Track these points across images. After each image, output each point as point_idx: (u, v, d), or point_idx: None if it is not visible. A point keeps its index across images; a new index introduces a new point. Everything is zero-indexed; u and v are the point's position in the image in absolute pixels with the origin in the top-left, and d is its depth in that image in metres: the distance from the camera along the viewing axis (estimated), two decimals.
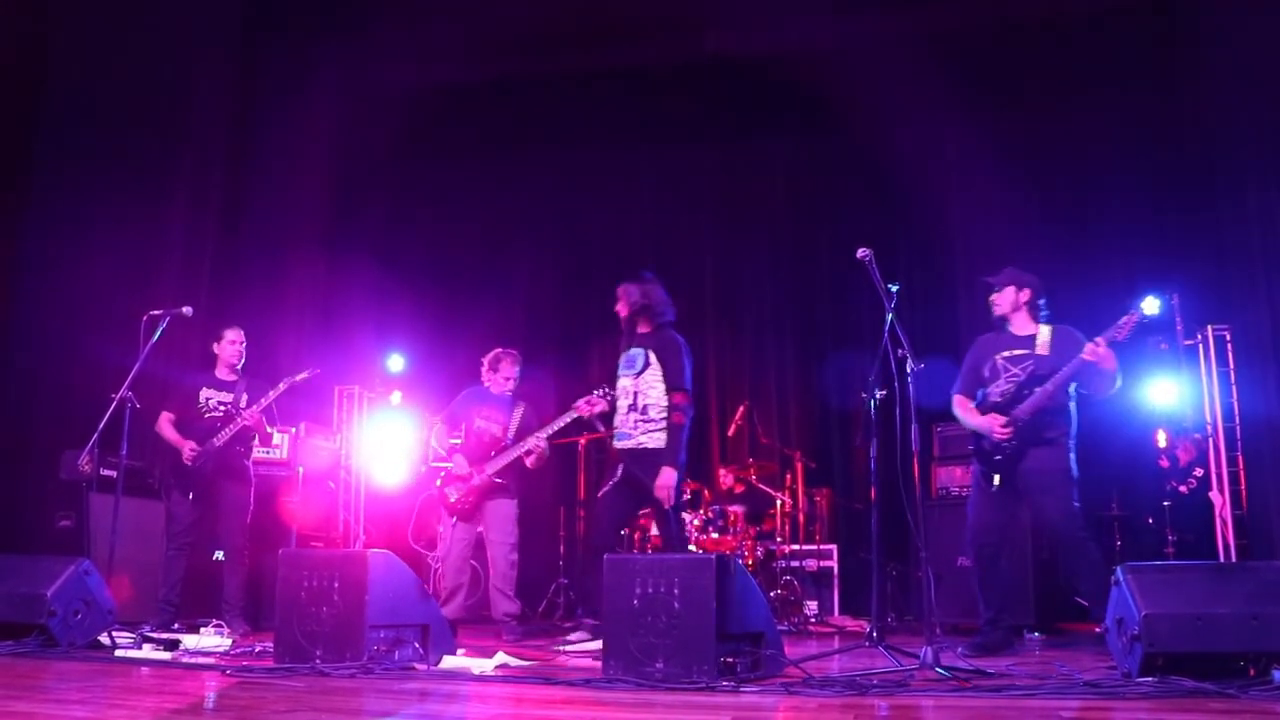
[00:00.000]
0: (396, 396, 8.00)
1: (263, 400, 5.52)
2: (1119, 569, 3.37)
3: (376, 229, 8.93)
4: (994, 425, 4.53)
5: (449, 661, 3.81)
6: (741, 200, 8.83)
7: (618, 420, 5.03)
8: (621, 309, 5.10)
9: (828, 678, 3.21)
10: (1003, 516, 4.66)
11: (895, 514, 4.40)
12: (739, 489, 7.15)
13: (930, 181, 7.86)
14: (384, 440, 7.88)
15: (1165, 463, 6.50)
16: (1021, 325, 4.70)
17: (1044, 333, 4.63)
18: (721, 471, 7.38)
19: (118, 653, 4.08)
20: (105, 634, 4.21)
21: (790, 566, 6.89)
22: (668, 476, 4.74)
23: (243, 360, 5.76)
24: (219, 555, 5.69)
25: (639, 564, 3.37)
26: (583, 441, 7.45)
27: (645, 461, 4.83)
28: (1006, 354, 4.67)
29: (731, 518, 6.68)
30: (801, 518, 7.08)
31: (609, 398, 5.16)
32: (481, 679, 3.44)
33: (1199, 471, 6.28)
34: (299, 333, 7.98)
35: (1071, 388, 4.54)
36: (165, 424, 5.59)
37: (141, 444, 5.94)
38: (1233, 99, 6.58)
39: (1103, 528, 6.66)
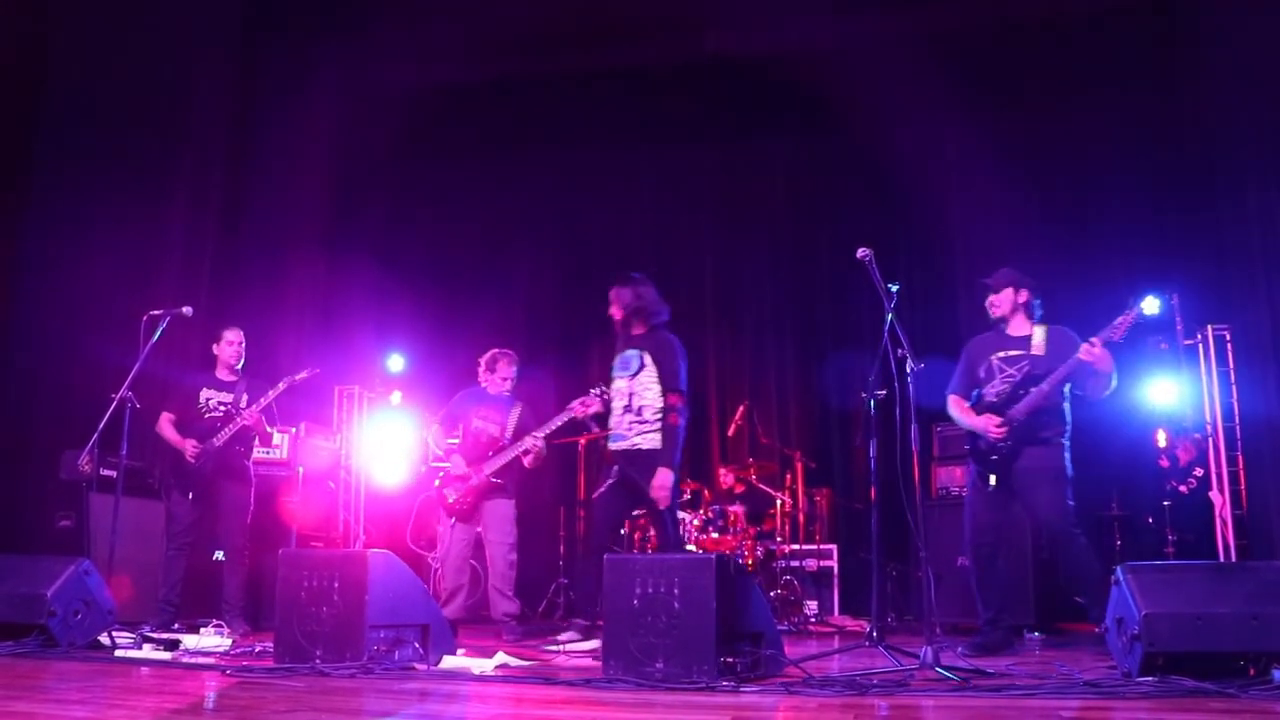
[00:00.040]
0: (396, 396, 8.00)
1: (262, 400, 5.52)
2: (1119, 569, 3.37)
3: (376, 229, 8.93)
4: (989, 425, 4.55)
5: (449, 661, 3.81)
6: (741, 200, 8.83)
7: (613, 422, 5.02)
8: (615, 312, 5.09)
9: (828, 678, 3.21)
10: (999, 516, 4.67)
11: (895, 514, 4.41)
12: (739, 489, 7.15)
13: (930, 181, 7.86)
14: (384, 440, 7.88)
15: (1165, 462, 6.51)
16: (1018, 326, 4.72)
17: (1039, 333, 4.64)
18: (721, 471, 7.39)
19: (118, 653, 4.08)
20: (105, 634, 4.21)
21: (790, 566, 6.89)
22: (664, 477, 4.74)
23: (242, 360, 5.76)
24: (219, 555, 5.69)
25: (639, 564, 3.36)
26: (583, 442, 7.45)
27: (640, 463, 4.83)
28: (1002, 354, 4.68)
29: (731, 518, 6.68)
30: (801, 518, 7.09)
31: (605, 397, 5.16)
32: (481, 679, 3.44)
33: (1199, 471, 6.28)
34: (299, 333, 7.98)
35: (1066, 388, 4.56)
36: (166, 424, 5.59)
37: (141, 444, 5.94)
38: (1233, 99, 6.58)
39: (1103, 528, 6.67)
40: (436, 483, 5.79)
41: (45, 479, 6.13)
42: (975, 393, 4.74)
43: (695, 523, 6.62)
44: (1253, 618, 3.09)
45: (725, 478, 7.26)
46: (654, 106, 8.38)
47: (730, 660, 3.20)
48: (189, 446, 5.45)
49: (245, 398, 5.60)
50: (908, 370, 3.95)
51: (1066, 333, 4.58)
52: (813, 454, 7.57)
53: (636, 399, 4.91)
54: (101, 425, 5.09)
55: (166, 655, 4.02)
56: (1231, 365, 6.33)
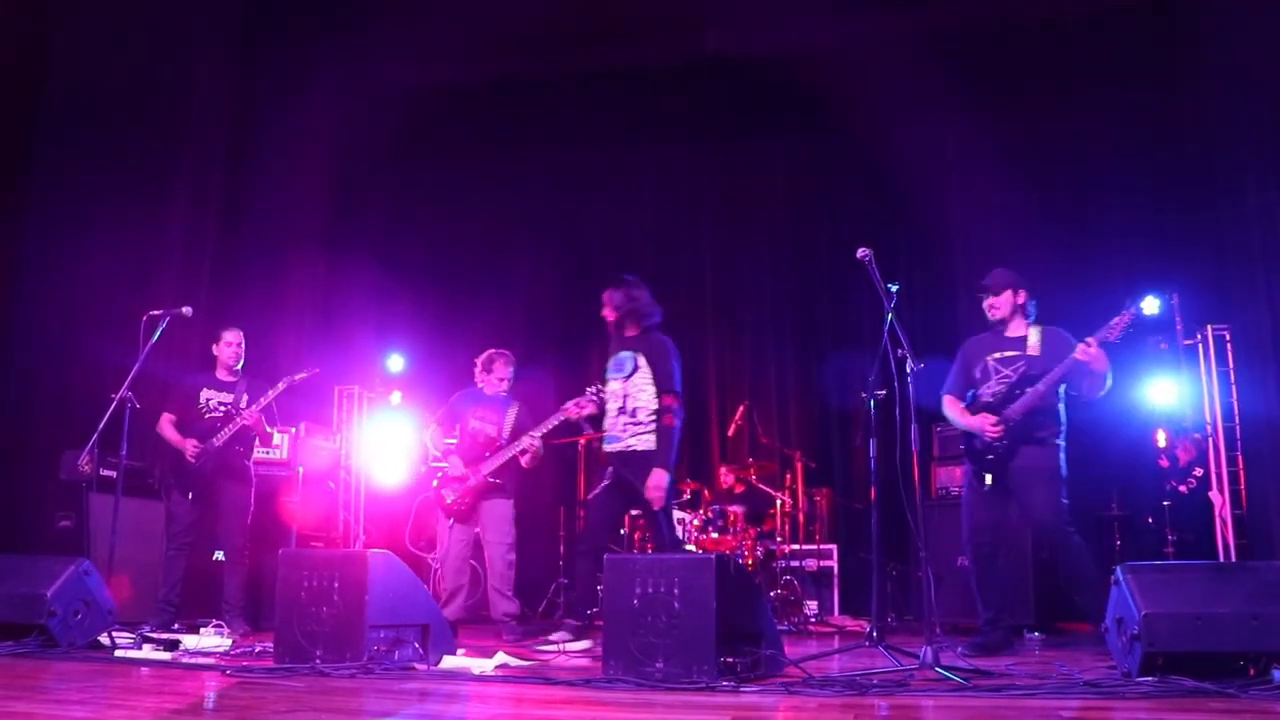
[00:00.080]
0: (396, 396, 8.00)
1: (262, 400, 5.52)
2: (1119, 569, 3.37)
3: (376, 229, 8.93)
4: (985, 425, 4.56)
5: (449, 661, 3.81)
6: (741, 200, 8.83)
7: (607, 423, 5.02)
8: (608, 314, 5.08)
9: (828, 678, 3.21)
10: (996, 516, 4.67)
11: (895, 514, 4.41)
12: (739, 489, 7.15)
13: (930, 181, 7.86)
14: (384, 440, 7.88)
15: (1165, 462, 6.51)
16: (1015, 327, 4.73)
17: (1034, 334, 4.66)
18: (721, 471, 7.39)
19: (118, 653, 4.08)
20: (105, 634, 4.21)
21: (790, 566, 6.89)
22: (659, 478, 4.73)
23: (241, 361, 5.76)
24: (219, 555, 5.69)
25: (639, 564, 3.36)
26: (582, 442, 7.45)
27: (635, 464, 4.82)
28: (998, 355, 4.70)
29: (731, 517, 6.68)
30: (801, 518, 7.09)
31: (600, 397, 5.15)
32: (481, 679, 3.44)
33: (1199, 471, 6.29)
34: (299, 333, 7.98)
35: (1061, 389, 4.57)
36: (166, 425, 5.59)
37: (141, 444, 5.94)
38: (1233, 99, 6.59)
39: (1103, 528, 6.67)
40: (435, 483, 5.79)
41: (45, 479, 6.14)
42: (971, 393, 4.76)
43: (695, 523, 6.62)
44: (1253, 618, 3.09)
45: (725, 477, 7.26)
46: (654, 106, 8.38)
47: (730, 660, 3.20)
48: (189, 446, 5.45)
49: (245, 398, 5.61)
50: (908, 370, 3.95)
51: (1061, 333, 4.60)
52: (813, 454, 7.57)
53: (631, 400, 4.91)
54: (101, 425, 5.09)
55: (166, 655, 4.02)
56: (1231, 365, 6.34)
